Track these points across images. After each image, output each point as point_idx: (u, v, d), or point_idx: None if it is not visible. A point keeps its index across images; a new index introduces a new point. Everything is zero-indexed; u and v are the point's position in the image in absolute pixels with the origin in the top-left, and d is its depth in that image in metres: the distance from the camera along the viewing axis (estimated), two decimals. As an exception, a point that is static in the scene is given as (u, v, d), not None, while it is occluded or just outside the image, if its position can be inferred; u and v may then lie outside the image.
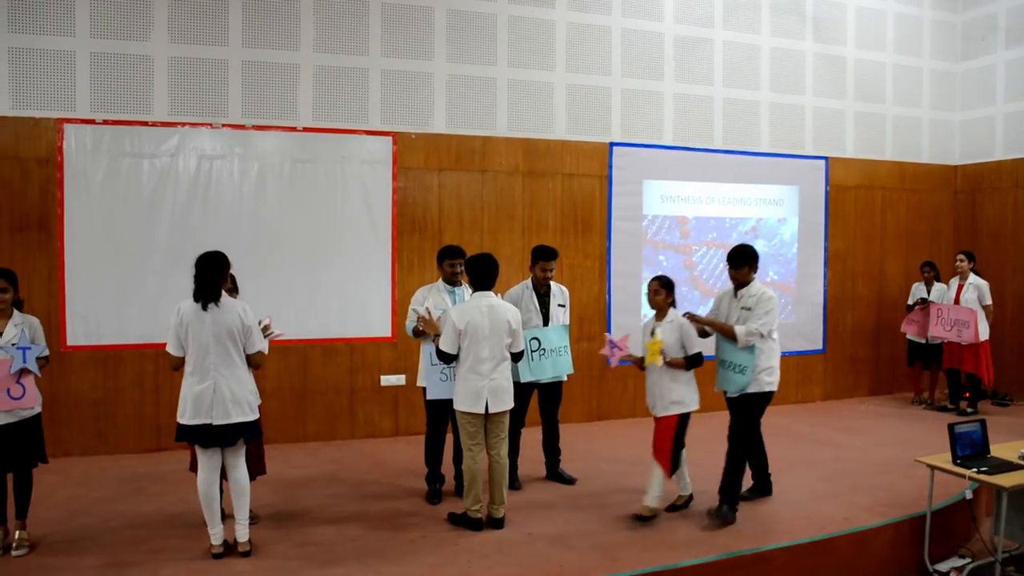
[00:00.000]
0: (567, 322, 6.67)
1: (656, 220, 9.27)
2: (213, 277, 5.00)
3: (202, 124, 7.66)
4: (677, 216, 9.37)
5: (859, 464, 7.26)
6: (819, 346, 10.14)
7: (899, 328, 9.90)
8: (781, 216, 9.88)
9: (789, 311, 9.92)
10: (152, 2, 7.50)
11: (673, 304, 5.99)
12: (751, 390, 5.85)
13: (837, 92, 10.14)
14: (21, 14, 7.20)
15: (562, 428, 6.89)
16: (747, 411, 5.95)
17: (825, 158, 10.06)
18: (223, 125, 7.72)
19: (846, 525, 5.66)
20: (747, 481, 6.15)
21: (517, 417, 6.53)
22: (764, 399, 5.96)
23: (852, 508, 6.01)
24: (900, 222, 10.60)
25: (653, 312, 6.07)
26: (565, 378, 6.70)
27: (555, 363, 6.46)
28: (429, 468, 6.32)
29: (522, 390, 6.48)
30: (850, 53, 10.18)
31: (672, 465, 5.80)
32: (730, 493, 5.80)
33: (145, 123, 7.52)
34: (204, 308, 4.95)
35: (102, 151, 7.41)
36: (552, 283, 6.62)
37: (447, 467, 6.36)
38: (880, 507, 6.01)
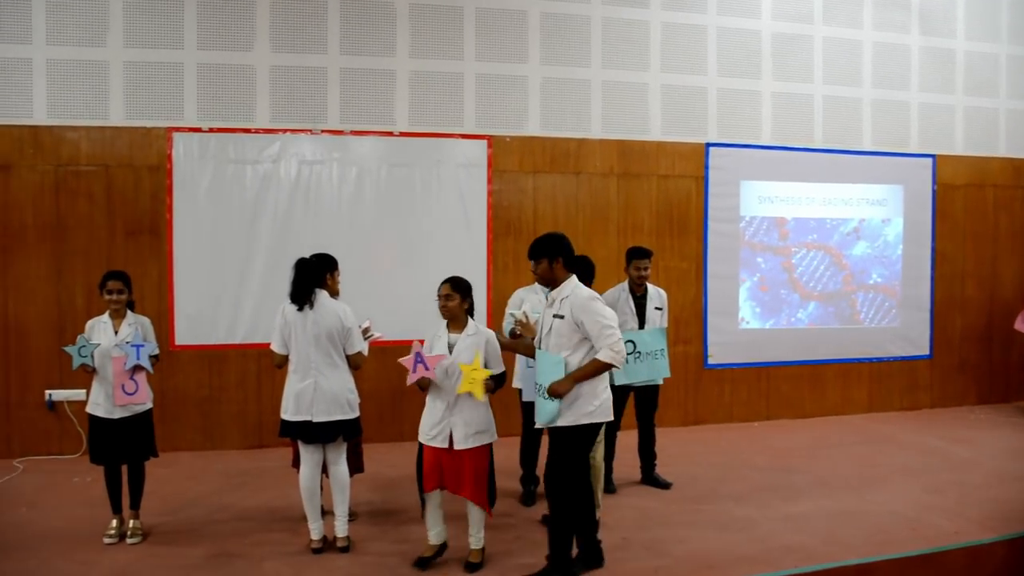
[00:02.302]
0: (664, 325, 6.58)
1: (754, 221, 9.08)
2: (306, 280, 5.13)
3: (302, 130, 7.86)
4: (775, 217, 9.16)
5: (969, 475, 6.93)
6: (926, 351, 9.75)
7: (1013, 327, 9.48)
8: (885, 216, 9.55)
9: (893, 315, 9.58)
10: (254, 13, 7.73)
11: (470, 312, 5.08)
12: (564, 422, 4.63)
13: (945, 86, 9.75)
14: (134, 29, 7.52)
15: (657, 432, 6.79)
16: (565, 450, 4.71)
17: (932, 156, 9.68)
18: (322, 131, 7.90)
19: (955, 539, 5.40)
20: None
21: (613, 420, 6.47)
22: (585, 433, 4.71)
23: (962, 521, 5.73)
24: (1015, 221, 10.09)
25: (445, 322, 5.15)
26: (660, 382, 6.60)
27: (650, 366, 6.37)
28: (524, 470, 6.32)
29: (618, 393, 6.41)
30: (959, 45, 9.76)
31: (492, 501, 4.98)
32: (559, 560, 4.76)
33: (248, 130, 7.75)
34: (300, 309, 5.06)
35: (208, 158, 7.67)
36: (650, 285, 6.54)
37: (541, 469, 6.33)
38: (992, 521, 5.70)
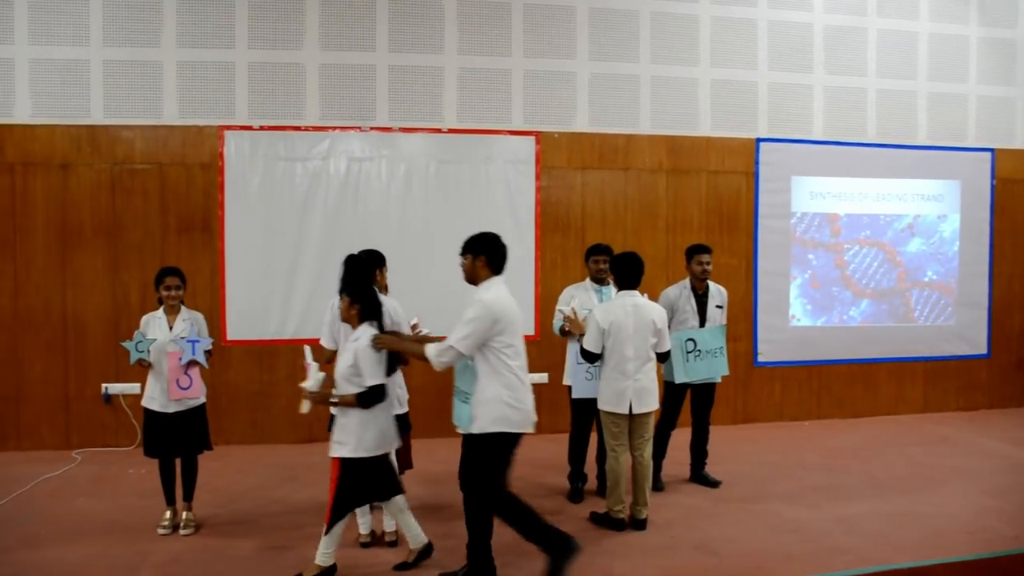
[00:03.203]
0: (724, 323, 6.52)
1: (805, 217, 8.95)
2: (356, 275, 5.16)
3: (351, 128, 7.92)
4: (827, 213, 9.01)
5: (1030, 478, 6.76)
6: (983, 350, 9.52)
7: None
8: (941, 212, 9.34)
9: (949, 313, 9.37)
10: (304, 12, 7.81)
11: (363, 315, 4.74)
12: (473, 429, 4.52)
13: (1005, 79, 9.48)
14: (187, 30, 7.64)
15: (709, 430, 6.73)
16: (470, 457, 4.57)
17: (991, 150, 9.44)
18: (371, 128, 7.95)
19: (1015, 544, 5.25)
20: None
21: (669, 418, 6.44)
22: (490, 442, 4.48)
23: (1022, 526, 5.57)
24: (1079, 217, 9.82)
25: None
26: (719, 379, 6.54)
27: (710, 364, 6.34)
28: (572, 466, 6.31)
29: (676, 391, 6.39)
30: (1020, 35, 9.49)
31: (331, 518, 4.64)
32: (475, 567, 4.63)
33: (298, 128, 7.83)
34: None
35: (259, 156, 7.77)
36: (711, 283, 6.50)
37: (590, 466, 6.33)
38: (1054, 526, 5.55)
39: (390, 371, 4.75)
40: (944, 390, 9.40)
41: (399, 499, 4.86)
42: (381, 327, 4.75)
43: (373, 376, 4.54)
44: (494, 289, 4.56)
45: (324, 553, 4.64)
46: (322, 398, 4.68)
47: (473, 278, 4.64)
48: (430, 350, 4.48)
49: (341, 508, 4.63)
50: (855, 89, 9.03)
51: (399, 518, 4.89)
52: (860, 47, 9.03)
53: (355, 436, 4.58)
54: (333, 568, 4.70)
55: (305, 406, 4.70)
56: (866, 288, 9.11)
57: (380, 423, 4.66)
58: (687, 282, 6.46)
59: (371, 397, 4.55)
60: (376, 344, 4.58)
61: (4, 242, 7.49)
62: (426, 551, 4.92)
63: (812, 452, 7.60)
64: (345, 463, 4.60)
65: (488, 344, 4.45)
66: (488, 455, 4.48)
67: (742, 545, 5.25)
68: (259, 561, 4.97)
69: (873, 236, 9.14)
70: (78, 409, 7.58)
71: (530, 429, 4.61)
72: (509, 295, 4.61)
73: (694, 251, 6.46)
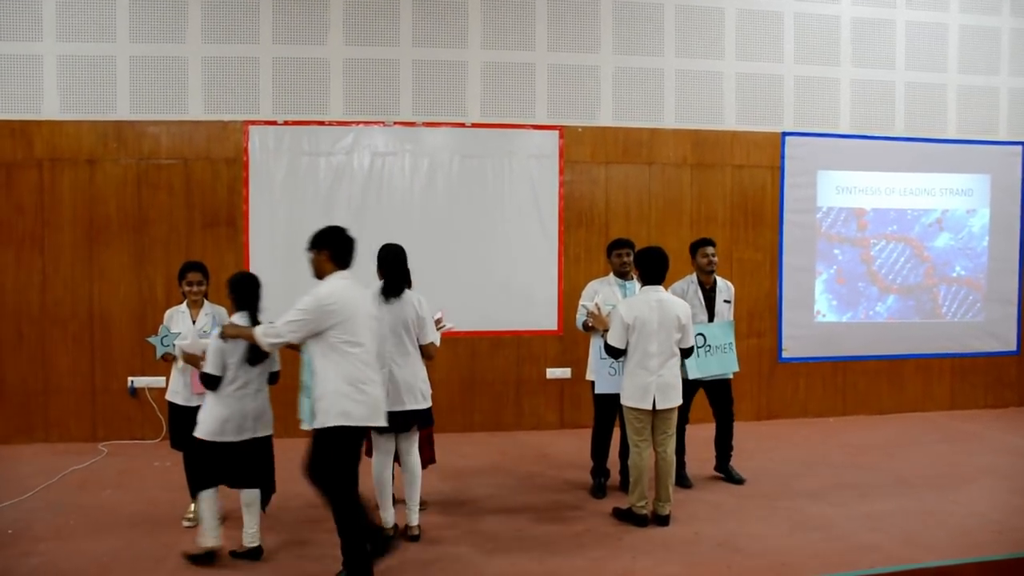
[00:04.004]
0: (732, 318, 6.48)
1: (831, 212, 8.86)
2: (404, 269, 5.18)
3: (375, 122, 7.93)
4: (854, 208, 8.92)
5: (1061, 477, 6.65)
6: (1013, 347, 9.39)
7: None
8: (970, 207, 9.22)
9: (977, 309, 9.25)
10: (328, 7, 7.83)
11: (245, 307, 4.89)
12: (315, 425, 4.50)
13: (1037, 72, 9.36)
14: (212, 25, 7.69)
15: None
16: (314, 453, 4.50)
17: (1022, 143, 9.30)
18: (395, 123, 7.96)
19: (1046, 544, 5.18)
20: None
21: (682, 415, 6.40)
22: (330, 437, 4.41)
23: (1053, 525, 5.49)
24: (1109, 212, 9.66)
25: None
26: (731, 375, 6.50)
27: (720, 360, 6.31)
28: (595, 462, 6.29)
29: (687, 387, 6.35)
30: (1052, 29, 9.36)
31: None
32: (353, 564, 4.46)
33: (322, 123, 7.86)
34: (387, 300, 5.11)
35: (283, 150, 7.80)
36: (718, 278, 6.45)
37: (612, 462, 6.30)
38: (1086, 526, 5.46)
39: (253, 362, 4.78)
40: (972, 387, 9.29)
41: (251, 493, 4.89)
42: (254, 320, 4.84)
43: (210, 364, 4.73)
44: (332, 283, 4.52)
45: (202, 535, 4.79)
46: (190, 359, 4.86)
47: (319, 273, 4.63)
48: (257, 330, 4.54)
49: (192, 487, 4.85)
50: (883, 82, 8.93)
51: (245, 511, 4.89)
52: (888, 39, 8.92)
53: (201, 418, 4.79)
54: (213, 553, 4.80)
55: (177, 351, 5.00)
56: (893, 284, 9.01)
57: (223, 411, 4.75)
58: (693, 276, 6.42)
59: (205, 380, 4.75)
60: (222, 334, 4.71)
61: (32, 237, 7.57)
62: (253, 553, 4.87)
63: (837, 449, 7.53)
64: (194, 441, 4.82)
65: (324, 338, 4.41)
66: (332, 450, 4.42)
67: (766, 542, 5.21)
68: (282, 554, 4.99)
69: (900, 231, 9.04)
70: (104, 402, 7.66)
71: (379, 422, 4.57)
72: (353, 289, 4.56)
73: (699, 244, 6.42)
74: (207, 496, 4.82)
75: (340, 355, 4.41)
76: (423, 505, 5.56)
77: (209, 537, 4.79)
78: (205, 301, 5.56)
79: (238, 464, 4.83)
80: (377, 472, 5.20)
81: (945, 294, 9.18)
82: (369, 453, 5.46)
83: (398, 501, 5.39)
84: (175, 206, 7.73)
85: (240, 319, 4.83)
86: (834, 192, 8.86)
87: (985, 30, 9.13)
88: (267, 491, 5.11)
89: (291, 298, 7.83)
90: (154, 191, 7.70)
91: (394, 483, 5.33)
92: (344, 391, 4.37)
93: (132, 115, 7.65)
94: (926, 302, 9.12)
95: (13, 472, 6.63)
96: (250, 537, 4.88)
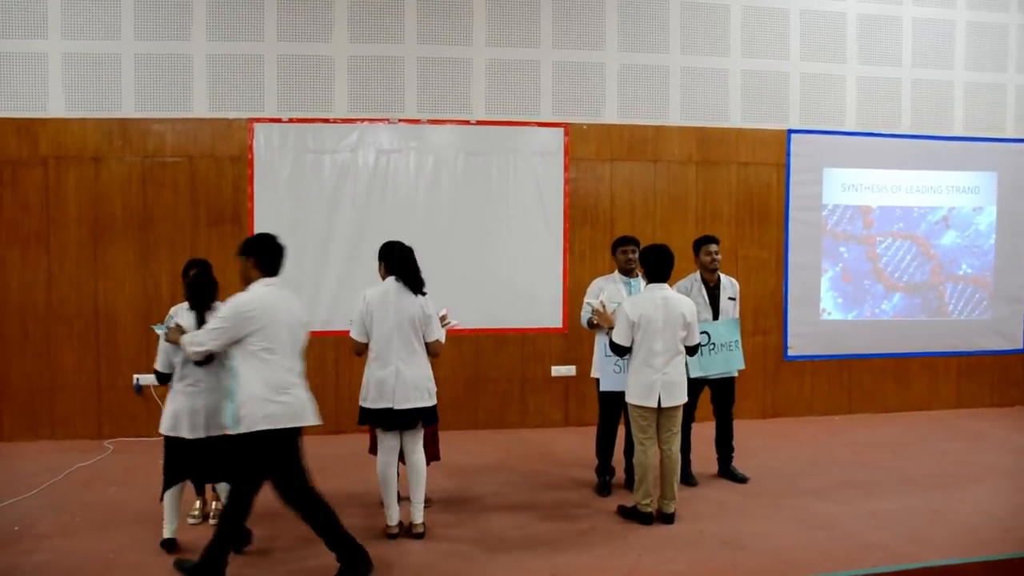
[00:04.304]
0: (737, 316, 6.46)
1: (837, 210, 8.84)
2: (416, 265, 5.19)
3: (380, 120, 7.92)
4: (860, 206, 8.89)
5: (1068, 476, 6.63)
6: (1019, 345, 9.35)
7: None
8: (976, 205, 9.19)
9: (984, 307, 9.22)
10: (332, 5, 7.82)
11: (195, 306, 5.01)
12: (240, 429, 4.43)
13: (1044, 68, 9.31)
14: (217, 23, 7.68)
15: (735, 424, 6.66)
16: (243, 459, 4.48)
17: (1029, 140, 9.27)
18: (399, 120, 7.95)
19: (1051, 543, 5.16)
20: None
21: (687, 413, 6.39)
22: (260, 441, 4.40)
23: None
24: (1117, 210, 9.61)
25: None
26: (736, 374, 6.48)
27: (725, 358, 6.29)
28: (600, 460, 6.28)
29: (692, 385, 6.33)
30: (1061, 24, 9.31)
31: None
32: (207, 560, 4.40)
33: (326, 120, 7.85)
34: (415, 294, 5.14)
35: (288, 148, 7.80)
36: (722, 275, 6.43)
37: (618, 460, 6.29)
38: (1092, 525, 5.44)
39: (199, 362, 4.77)
40: (978, 385, 9.26)
41: (224, 486, 4.97)
42: (200, 320, 4.87)
43: (158, 361, 4.95)
44: (253, 291, 4.52)
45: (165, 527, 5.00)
46: (174, 338, 4.78)
47: (245, 279, 4.62)
48: (184, 339, 4.60)
49: (165, 481, 4.96)
50: (889, 79, 8.90)
51: (222, 503, 5.00)
52: (895, 36, 8.89)
53: (162, 413, 4.98)
54: (171, 542, 4.97)
55: (160, 329, 4.95)
56: (899, 282, 8.99)
57: (174, 407, 4.89)
58: (697, 275, 6.40)
59: (156, 376, 4.99)
60: (167, 336, 4.83)
61: (38, 235, 7.58)
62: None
63: (842, 447, 7.52)
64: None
65: (244, 344, 4.42)
66: (257, 454, 4.43)
67: (771, 540, 5.20)
68: (286, 551, 5.00)
69: (906, 229, 9.01)
70: (110, 399, 7.67)
71: (308, 421, 4.59)
72: (276, 295, 4.56)
73: (702, 242, 6.40)
74: (170, 492, 4.97)
75: (260, 361, 4.42)
76: (427, 503, 5.56)
77: (166, 529, 4.99)
78: (210, 299, 5.56)
79: (200, 461, 4.93)
80: (382, 470, 5.20)
81: (951, 292, 9.15)
82: (373, 451, 5.47)
83: (402, 498, 5.39)
84: (180, 204, 7.73)
85: (187, 318, 4.91)
86: (840, 189, 8.83)
87: (992, 26, 9.09)
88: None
89: (298, 295, 7.85)
90: (159, 189, 7.70)
91: (398, 481, 5.33)
92: (266, 396, 4.38)
93: (137, 113, 7.65)
94: (932, 300, 9.10)
95: (19, 469, 6.65)
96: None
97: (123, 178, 7.66)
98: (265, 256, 4.62)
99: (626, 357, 5.60)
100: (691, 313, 5.52)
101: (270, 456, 4.45)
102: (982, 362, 9.26)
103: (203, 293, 5.01)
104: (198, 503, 5.50)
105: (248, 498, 4.50)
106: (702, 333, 6.11)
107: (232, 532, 4.52)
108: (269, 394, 4.39)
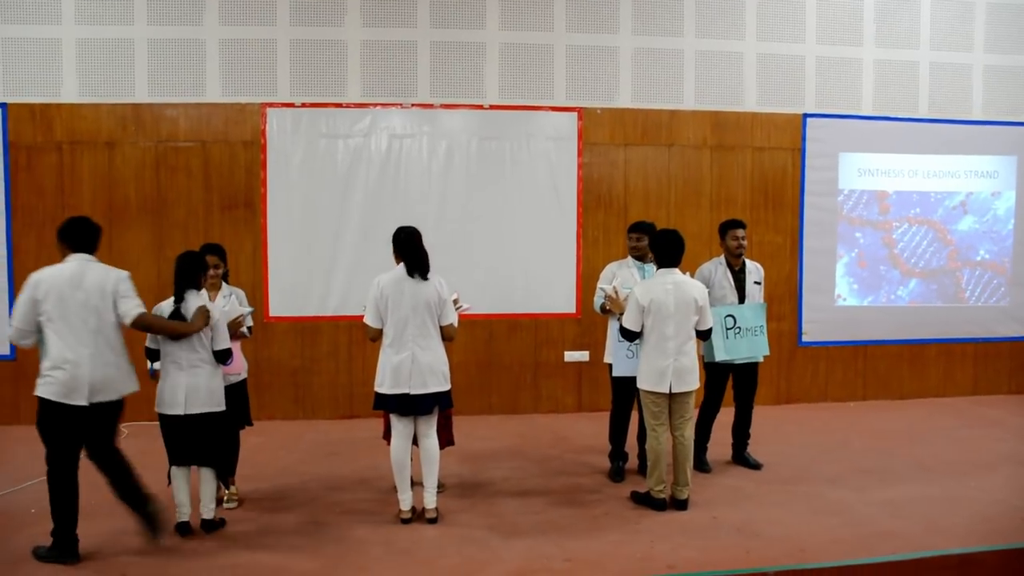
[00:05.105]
0: (763, 300, 6.41)
1: (853, 195, 8.76)
2: (423, 251, 5.17)
3: (393, 104, 7.90)
4: (876, 191, 8.81)
5: (1086, 463, 6.55)
6: (1037, 331, 9.29)
7: None
8: (995, 189, 9.09)
9: (1002, 293, 9.14)
10: (347, -12, 7.80)
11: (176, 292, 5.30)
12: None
13: (1064, 51, 9.17)
14: (229, 7, 7.67)
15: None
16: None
17: (1049, 124, 9.14)
18: (412, 105, 7.92)
19: (1069, 531, 5.10)
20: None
21: (714, 401, 6.36)
22: (40, 407, 4.65)
23: (1079, 512, 5.41)
24: None
25: None
26: (761, 359, 6.43)
27: (751, 343, 6.24)
28: (613, 445, 6.26)
29: (718, 372, 6.29)
30: (1082, 6, 9.16)
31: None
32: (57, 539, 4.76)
33: (340, 105, 7.84)
34: (413, 278, 5.11)
35: (301, 133, 7.79)
36: (747, 259, 6.39)
37: (631, 445, 6.28)
38: (1113, 514, 5.38)
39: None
40: (996, 372, 9.19)
41: (203, 471, 5.10)
42: (177, 313, 5.17)
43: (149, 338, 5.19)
44: (44, 269, 4.69)
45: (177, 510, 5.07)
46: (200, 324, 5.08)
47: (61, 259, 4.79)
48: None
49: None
50: (906, 63, 8.79)
51: (201, 483, 5.10)
52: (912, 19, 8.78)
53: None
54: (185, 525, 5.05)
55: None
56: (915, 267, 8.92)
57: (160, 383, 5.18)
58: (722, 258, 6.35)
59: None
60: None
61: (53, 220, 7.52)
62: (207, 525, 5.08)
63: (857, 434, 7.47)
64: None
65: (40, 319, 4.60)
66: (40, 418, 4.65)
67: (785, 527, 5.17)
68: (300, 536, 5.01)
69: (923, 214, 8.93)
70: (125, 384, 7.68)
71: (73, 400, 4.61)
72: (67, 271, 4.68)
73: (728, 226, 6.34)
74: (176, 476, 5.11)
75: (47, 334, 4.61)
76: (440, 487, 5.57)
77: (179, 512, 5.06)
78: (223, 283, 5.57)
79: (182, 439, 5.05)
80: (396, 455, 5.19)
81: (968, 278, 9.07)
82: (388, 437, 5.47)
83: (415, 483, 5.39)
84: (193, 188, 7.74)
85: (167, 305, 5.21)
86: (856, 174, 8.76)
87: (1012, 7, 8.95)
88: (221, 468, 5.32)
89: (311, 280, 7.91)
90: (172, 174, 7.72)
91: (412, 466, 5.34)
92: (46, 367, 4.59)
93: (150, 98, 7.66)
94: (949, 286, 9.02)
95: (36, 452, 6.66)
96: (206, 511, 5.07)
97: (137, 163, 7.67)
98: (66, 234, 4.78)
99: (637, 342, 5.57)
100: (703, 297, 5.49)
101: (46, 423, 4.65)
102: (999, 349, 9.18)
103: (184, 277, 5.25)
104: (232, 488, 5.53)
105: (52, 461, 4.72)
106: (727, 316, 6.08)
107: (52, 494, 4.73)
108: (47, 367, 4.60)
